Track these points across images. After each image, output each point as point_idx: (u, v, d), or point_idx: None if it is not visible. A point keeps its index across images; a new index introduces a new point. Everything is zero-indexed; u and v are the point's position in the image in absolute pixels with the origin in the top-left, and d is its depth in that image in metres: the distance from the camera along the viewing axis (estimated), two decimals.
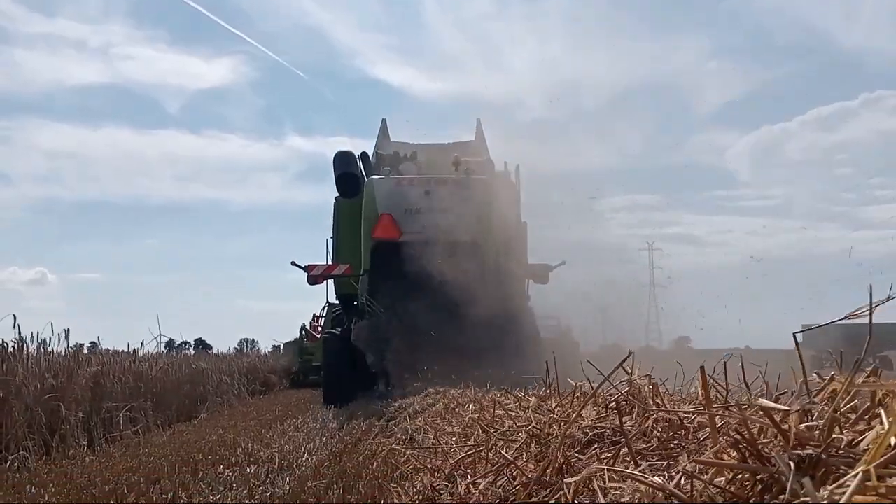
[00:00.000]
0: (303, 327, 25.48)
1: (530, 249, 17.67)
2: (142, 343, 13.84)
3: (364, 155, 17.39)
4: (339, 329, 16.19)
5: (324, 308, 20.79)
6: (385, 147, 18.27)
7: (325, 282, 17.33)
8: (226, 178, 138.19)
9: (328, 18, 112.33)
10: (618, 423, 2.76)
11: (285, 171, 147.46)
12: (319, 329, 22.53)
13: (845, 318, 2.16)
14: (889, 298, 2.11)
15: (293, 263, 16.60)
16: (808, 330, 2.90)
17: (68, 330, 10.39)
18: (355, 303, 16.49)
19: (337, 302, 18.36)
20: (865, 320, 2.07)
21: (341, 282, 17.15)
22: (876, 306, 2.04)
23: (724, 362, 3.04)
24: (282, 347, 28.63)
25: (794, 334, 2.55)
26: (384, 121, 19.14)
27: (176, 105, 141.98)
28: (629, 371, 3.34)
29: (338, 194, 17.14)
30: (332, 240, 17.83)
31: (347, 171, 16.52)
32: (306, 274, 16.58)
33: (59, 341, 10.08)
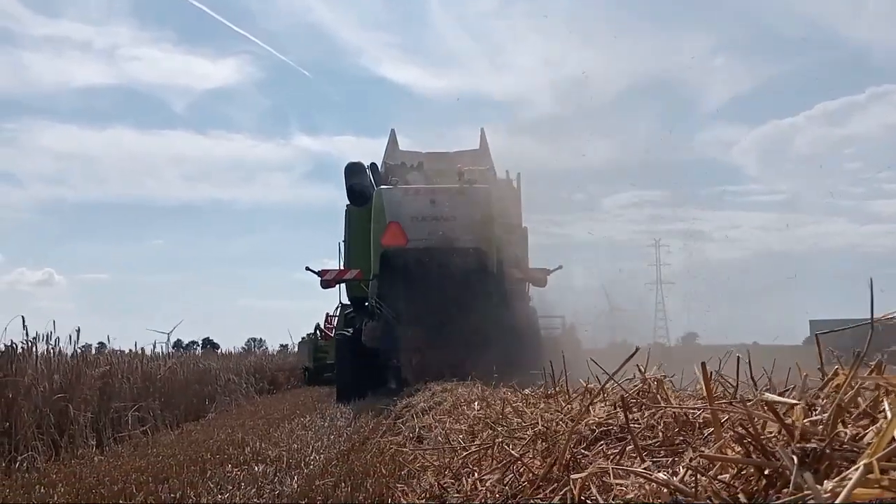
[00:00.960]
0: (317, 326, 25.86)
1: (537, 248, 18.10)
2: (154, 344, 14.00)
3: (373, 165, 18.19)
4: (351, 330, 16.93)
5: (337, 308, 21.48)
6: (393, 157, 19.14)
7: (337, 285, 18.06)
8: (232, 177, 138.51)
9: (332, 17, 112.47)
10: (624, 419, 2.77)
11: (292, 170, 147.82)
12: (333, 328, 22.97)
13: (875, 321, 2.15)
14: None
15: (308, 269, 17.56)
16: (834, 331, 2.83)
17: (79, 329, 10.45)
18: (366, 304, 16.99)
19: (349, 303, 18.83)
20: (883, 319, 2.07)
21: (352, 285, 17.88)
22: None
23: (734, 357, 3.05)
24: (297, 346, 28.89)
25: (816, 335, 2.57)
26: (393, 131, 20.16)
27: (182, 105, 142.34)
28: (641, 368, 3.35)
29: (349, 203, 17.95)
30: (343, 244, 18.57)
31: (357, 182, 17.35)
32: (319, 278, 17.38)
33: (71, 343, 10.14)
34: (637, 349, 3.20)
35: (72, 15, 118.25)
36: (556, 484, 2.74)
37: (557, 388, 4.65)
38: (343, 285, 18.25)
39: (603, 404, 3.39)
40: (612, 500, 2.15)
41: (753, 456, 1.76)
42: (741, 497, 1.72)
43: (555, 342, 14.93)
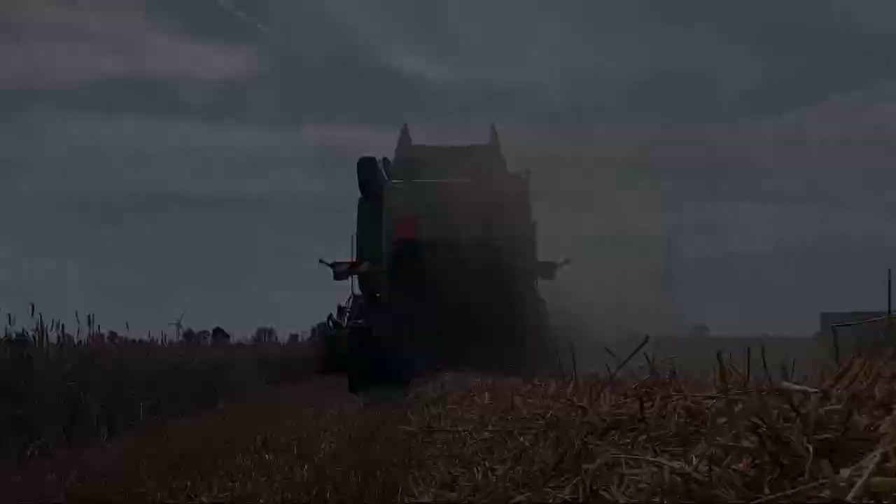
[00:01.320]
0: (330, 317, 25.96)
1: (548, 240, 18.12)
2: (163, 335, 14.10)
3: (385, 160, 18.47)
4: (363, 321, 17.23)
5: (349, 300, 21.71)
6: (405, 152, 19.12)
7: (349, 277, 18.27)
8: (244, 168, 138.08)
9: (345, 8, 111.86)
10: (636, 410, 2.76)
11: (304, 161, 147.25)
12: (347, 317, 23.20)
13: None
14: None
15: (321, 261, 17.75)
16: (854, 324, 2.85)
17: (93, 316, 10.48)
18: (378, 296, 17.15)
19: (360, 294, 19.01)
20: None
21: (364, 277, 18.08)
22: None
23: (746, 349, 3.03)
24: (308, 336, 29.01)
25: (833, 327, 2.57)
26: (405, 125, 20.05)
27: (194, 96, 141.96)
28: (651, 359, 3.33)
29: (361, 196, 18.25)
30: (355, 237, 18.75)
31: (370, 176, 17.74)
32: (332, 270, 17.64)
33: (89, 325, 10.19)
34: (647, 338, 3.19)
35: (85, 4, 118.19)
36: (567, 474, 2.73)
37: (567, 379, 4.65)
38: (355, 277, 18.43)
39: (614, 395, 3.38)
40: (625, 490, 2.15)
41: (768, 445, 1.75)
42: (755, 486, 1.72)
43: (564, 334, 14.98)
